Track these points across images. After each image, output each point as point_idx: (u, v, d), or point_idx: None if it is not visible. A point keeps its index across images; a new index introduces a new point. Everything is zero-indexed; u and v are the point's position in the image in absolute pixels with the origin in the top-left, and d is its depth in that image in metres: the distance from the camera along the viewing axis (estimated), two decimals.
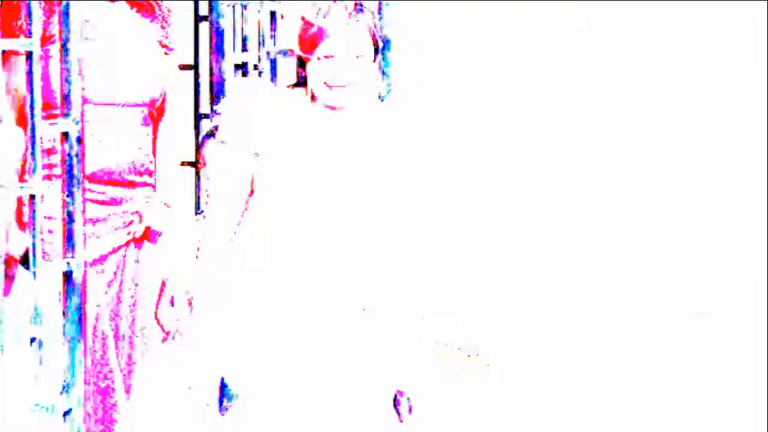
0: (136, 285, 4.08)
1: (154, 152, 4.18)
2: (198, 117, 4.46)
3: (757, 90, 7.28)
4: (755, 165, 7.22)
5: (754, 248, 6.92)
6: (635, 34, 7.39)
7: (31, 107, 3.30)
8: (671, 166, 7.31)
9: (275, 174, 2.90)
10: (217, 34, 4.11)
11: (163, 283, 3.73)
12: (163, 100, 4.17)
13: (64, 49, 3.40)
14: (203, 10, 4.40)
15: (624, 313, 5.91)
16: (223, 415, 3.07)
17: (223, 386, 2.99)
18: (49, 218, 3.59)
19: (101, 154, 3.93)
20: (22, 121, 3.43)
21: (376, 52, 3.04)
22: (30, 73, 3.30)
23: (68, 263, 3.39)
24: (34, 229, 3.30)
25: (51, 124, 3.38)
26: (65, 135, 3.39)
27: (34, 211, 3.31)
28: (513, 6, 8.00)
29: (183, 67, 4.48)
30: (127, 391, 3.90)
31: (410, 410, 2.69)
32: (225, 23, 4.10)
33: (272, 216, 2.90)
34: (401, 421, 2.70)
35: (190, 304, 3.15)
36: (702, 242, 7.03)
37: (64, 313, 3.45)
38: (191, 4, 4.54)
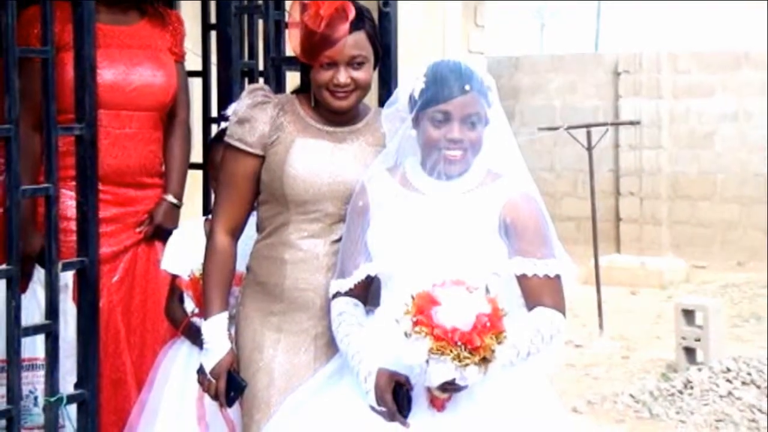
0: (147, 282, 4.09)
1: (164, 155, 4.20)
2: (207, 121, 4.48)
3: None
4: None
5: None
6: None
7: (48, 113, 3.31)
8: None
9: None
10: (225, 42, 4.11)
11: (173, 280, 3.74)
12: (174, 105, 4.18)
13: (78, 57, 3.41)
14: (212, 18, 4.41)
15: None
16: (230, 406, 3.07)
17: (231, 378, 2.99)
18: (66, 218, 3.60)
19: (114, 156, 3.94)
20: None
21: (377, 59, 3.04)
22: (46, 79, 3.32)
23: (82, 261, 3.40)
24: (50, 229, 3.32)
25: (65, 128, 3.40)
26: (79, 139, 3.41)
27: (50, 211, 3.32)
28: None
29: (192, 74, 4.50)
30: (139, 383, 3.91)
31: (409, 401, 2.68)
32: (233, 32, 4.10)
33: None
34: (405, 412, 2.67)
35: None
36: None
37: (78, 309, 3.46)
38: (200, 13, 4.54)
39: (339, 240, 2.99)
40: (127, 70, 4.03)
